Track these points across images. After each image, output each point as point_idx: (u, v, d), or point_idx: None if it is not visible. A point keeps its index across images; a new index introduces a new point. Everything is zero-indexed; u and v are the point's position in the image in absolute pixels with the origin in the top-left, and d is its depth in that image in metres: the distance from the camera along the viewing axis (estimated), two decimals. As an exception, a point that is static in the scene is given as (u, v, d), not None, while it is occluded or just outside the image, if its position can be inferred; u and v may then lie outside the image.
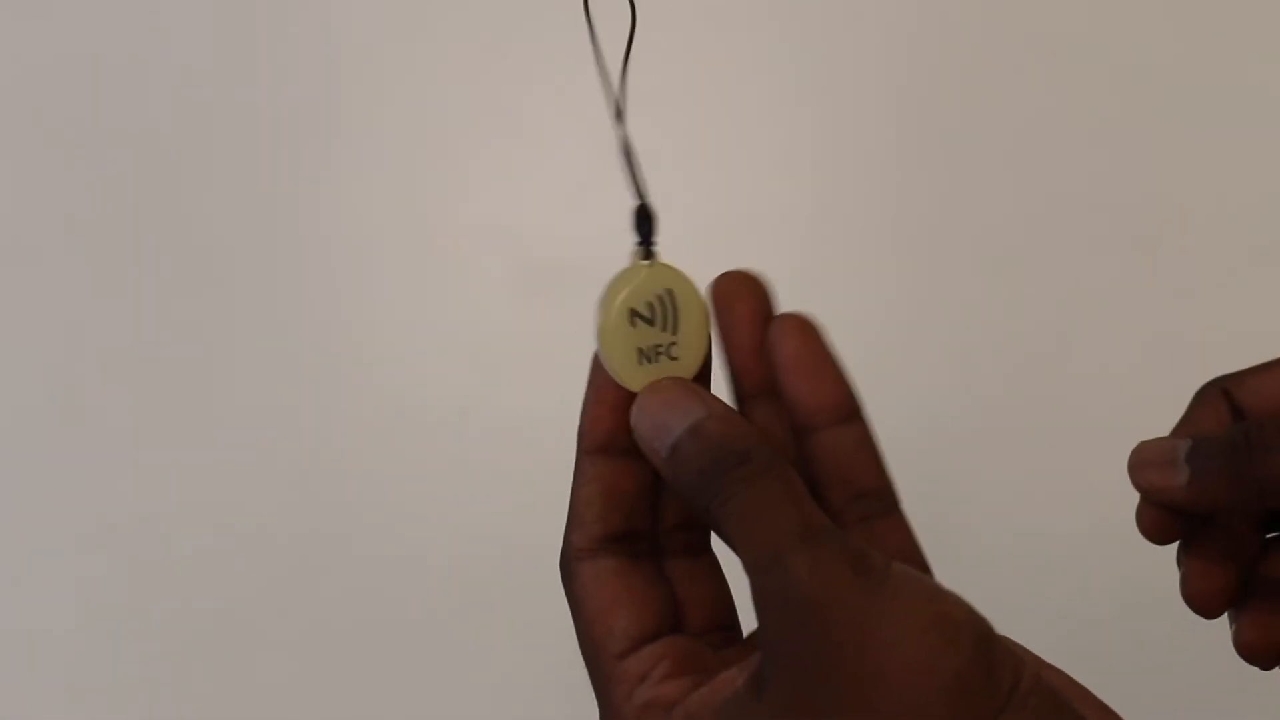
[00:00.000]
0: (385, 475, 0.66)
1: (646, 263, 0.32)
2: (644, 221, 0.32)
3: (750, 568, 0.27)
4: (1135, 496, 0.37)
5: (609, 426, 0.31)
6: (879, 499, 0.31)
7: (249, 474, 0.66)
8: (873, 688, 0.25)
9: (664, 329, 0.31)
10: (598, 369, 0.31)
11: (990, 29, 0.71)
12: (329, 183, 0.70)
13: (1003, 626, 0.26)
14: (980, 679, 0.25)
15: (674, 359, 0.31)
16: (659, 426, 0.30)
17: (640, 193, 0.32)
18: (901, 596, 0.26)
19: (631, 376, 0.31)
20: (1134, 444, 0.38)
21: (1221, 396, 0.37)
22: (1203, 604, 0.36)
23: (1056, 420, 0.66)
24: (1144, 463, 0.36)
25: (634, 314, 0.31)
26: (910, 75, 0.71)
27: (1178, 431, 0.38)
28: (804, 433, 0.31)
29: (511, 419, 0.67)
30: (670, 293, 0.32)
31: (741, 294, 0.32)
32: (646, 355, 0.31)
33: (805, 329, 0.31)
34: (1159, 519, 0.36)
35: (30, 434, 0.67)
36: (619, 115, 0.33)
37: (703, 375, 0.32)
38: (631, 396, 0.31)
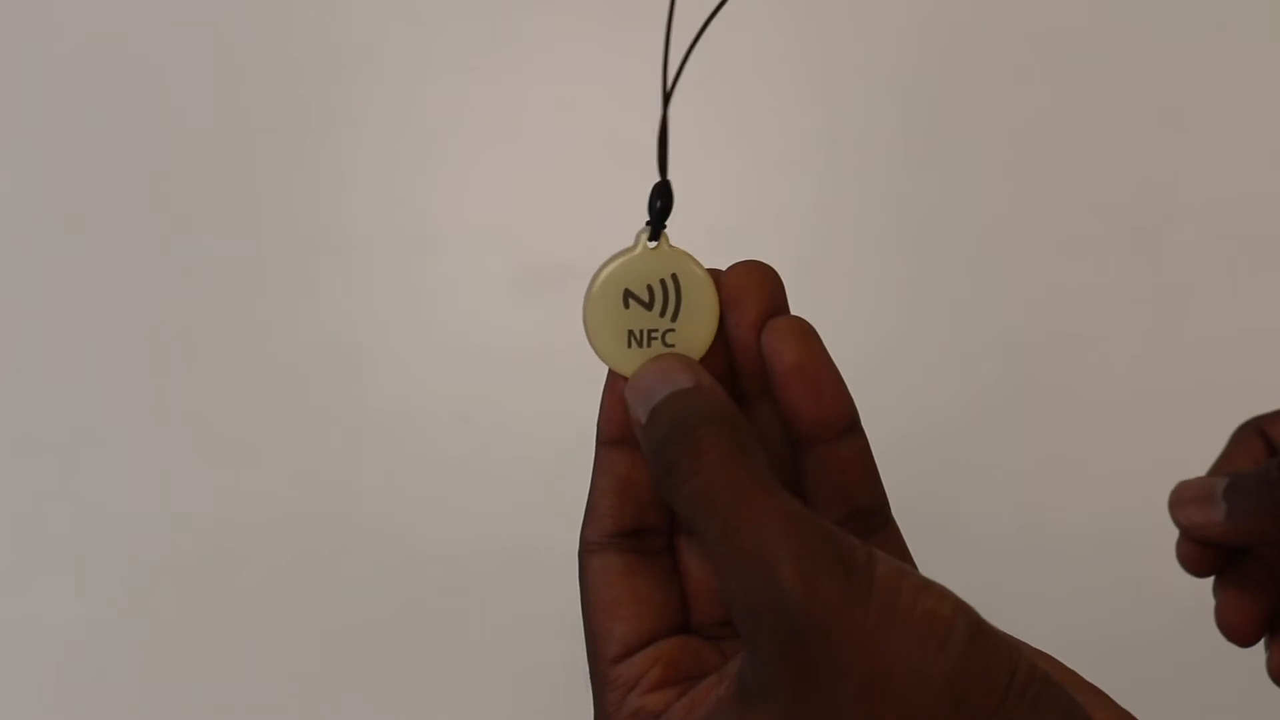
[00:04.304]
0: (384, 480, 0.66)
1: (652, 244, 0.30)
2: (657, 199, 0.30)
3: (721, 565, 0.26)
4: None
5: (623, 418, 0.30)
6: (874, 514, 0.30)
7: (246, 478, 0.66)
8: (868, 695, 0.24)
9: (662, 314, 0.30)
10: None
11: (993, 29, 0.71)
12: (327, 183, 0.70)
13: (998, 624, 0.26)
14: (975, 675, 0.24)
15: (668, 346, 0.30)
16: (644, 395, 0.29)
17: (663, 170, 0.30)
18: (888, 596, 0.25)
19: (618, 358, 0.30)
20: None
21: (1258, 435, 0.38)
22: (1237, 633, 0.37)
23: (1057, 418, 0.66)
24: (1183, 500, 0.37)
25: (628, 294, 0.30)
26: (914, 74, 0.71)
27: (1215, 469, 0.39)
28: (801, 446, 0.30)
29: (512, 423, 0.67)
30: (675, 278, 0.30)
31: (751, 288, 0.30)
32: (637, 338, 0.30)
33: (804, 336, 0.29)
34: (1197, 553, 0.37)
35: (28, 436, 0.67)
36: (667, 94, 0.30)
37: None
38: None
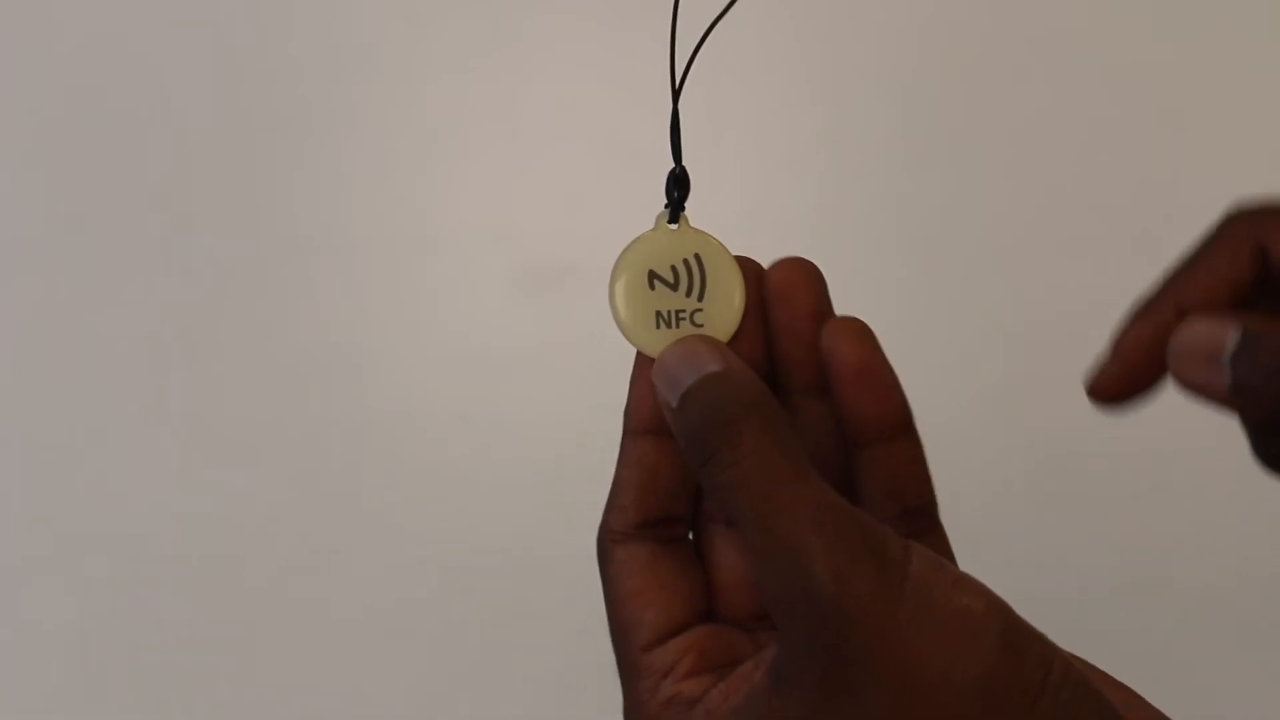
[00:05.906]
0: (384, 480, 0.66)
1: (672, 226, 0.30)
2: (675, 185, 0.30)
3: (757, 553, 0.26)
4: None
5: (653, 406, 0.29)
6: (924, 515, 0.31)
7: (246, 479, 0.66)
8: (899, 690, 0.24)
9: (688, 294, 0.30)
10: None
11: (993, 29, 0.71)
12: (327, 183, 0.70)
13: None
14: (1009, 674, 0.24)
15: (698, 326, 0.30)
16: (672, 379, 0.28)
17: (677, 158, 0.31)
18: (922, 591, 0.25)
19: (648, 340, 0.30)
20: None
21: (1248, 243, 0.32)
22: None
23: (1056, 418, 0.66)
24: (1184, 353, 0.30)
25: (653, 276, 0.30)
26: (914, 75, 0.71)
27: (1190, 264, 0.32)
28: (857, 444, 0.30)
29: (512, 423, 0.67)
30: (698, 258, 0.30)
31: (800, 284, 0.30)
32: (665, 319, 0.30)
33: (863, 336, 0.29)
34: (1114, 381, 0.31)
35: (28, 436, 0.67)
36: (677, 85, 0.31)
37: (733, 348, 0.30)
38: None
